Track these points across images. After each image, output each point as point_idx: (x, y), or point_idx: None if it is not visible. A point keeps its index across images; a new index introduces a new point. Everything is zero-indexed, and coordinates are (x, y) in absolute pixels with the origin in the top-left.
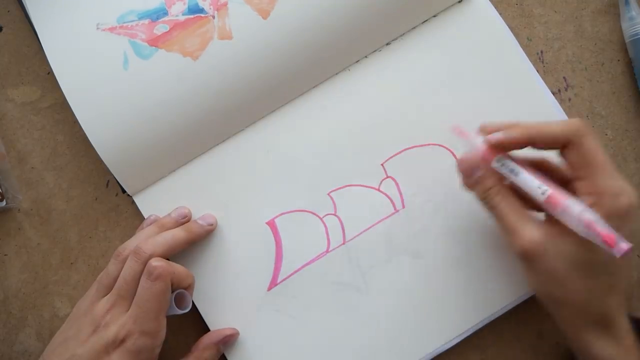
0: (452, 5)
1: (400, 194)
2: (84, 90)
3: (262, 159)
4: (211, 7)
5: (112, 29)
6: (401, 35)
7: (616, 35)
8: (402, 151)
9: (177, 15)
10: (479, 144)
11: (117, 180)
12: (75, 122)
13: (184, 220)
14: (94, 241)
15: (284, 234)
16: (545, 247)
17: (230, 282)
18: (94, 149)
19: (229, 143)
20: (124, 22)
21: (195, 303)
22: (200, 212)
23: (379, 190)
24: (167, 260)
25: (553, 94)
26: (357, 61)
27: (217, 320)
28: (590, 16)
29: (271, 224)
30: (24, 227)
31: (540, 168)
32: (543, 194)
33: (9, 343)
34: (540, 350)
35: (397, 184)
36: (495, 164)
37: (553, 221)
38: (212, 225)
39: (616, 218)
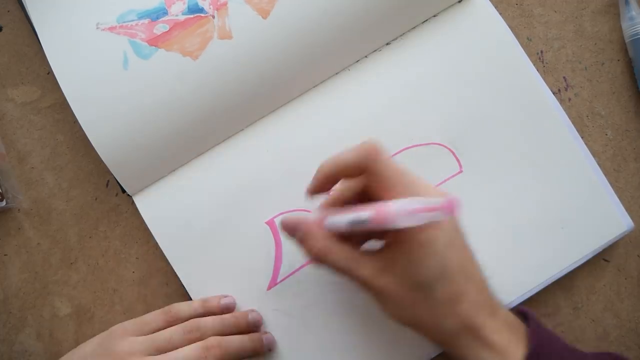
0: (452, 5)
1: None
2: (84, 90)
3: (261, 158)
4: (211, 6)
5: (112, 29)
6: (401, 35)
7: (616, 35)
8: (402, 150)
9: (177, 15)
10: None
11: (117, 180)
12: (75, 122)
13: (227, 311)
14: (94, 241)
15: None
16: (381, 280)
17: (230, 281)
18: (94, 149)
19: (228, 143)
20: (124, 22)
21: (194, 300)
22: (201, 212)
23: None
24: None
25: (553, 93)
26: (357, 61)
27: None
28: (590, 16)
29: (271, 224)
30: (24, 227)
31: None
32: (367, 218)
33: (9, 343)
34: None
35: None
36: (328, 222)
37: (384, 254)
38: (257, 325)
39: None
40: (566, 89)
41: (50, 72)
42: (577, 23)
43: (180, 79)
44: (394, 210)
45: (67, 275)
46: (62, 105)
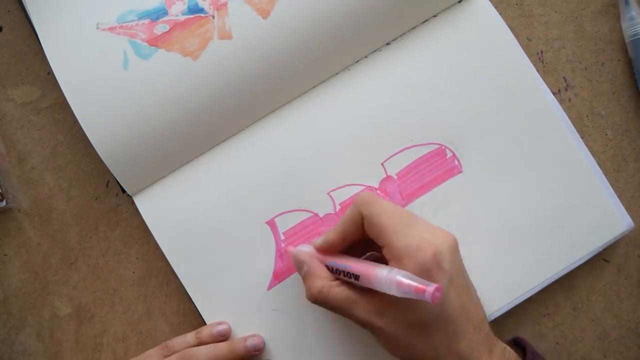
0: (452, 5)
1: (400, 192)
2: (84, 90)
3: (262, 158)
4: (211, 7)
5: (112, 29)
6: (401, 35)
7: (616, 35)
8: (402, 150)
9: (177, 15)
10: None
11: (117, 180)
12: (75, 122)
13: (222, 338)
14: (94, 241)
15: (284, 233)
16: (380, 320)
17: (230, 281)
18: (94, 149)
19: (228, 143)
20: (124, 22)
21: (195, 302)
22: (201, 212)
23: (379, 189)
24: None
25: (553, 94)
26: (357, 61)
27: (217, 319)
28: (590, 16)
29: (271, 224)
30: (24, 227)
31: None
32: (356, 279)
33: (9, 343)
34: (541, 349)
35: (396, 183)
36: (329, 264)
37: (379, 293)
38: (258, 351)
39: (425, 269)
40: (566, 89)
41: (50, 72)
42: (577, 23)
43: (180, 79)
44: (382, 279)
45: (67, 275)
46: (62, 105)
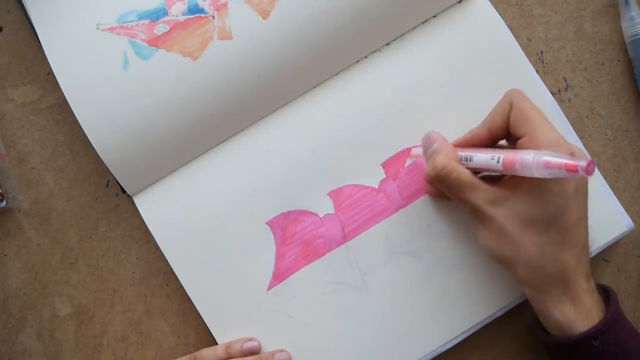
0: (452, 5)
1: (400, 193)
2: (84, 90)
3: (261, 159)
4: (211, 7)
5: (112, 29)
6: (401, 36)
7: (616, 35)
8: (402, 151)
9: (177, 16)
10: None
11: (117, 181)
12: (75, 122)
13: (250, 355)
14: (94, 241)
15: (283, 234)
16: (496, 207)
17: (230, 281)
18: (94, 149)
19: (228, 143)
20: (124, 22)
21: (195, 303)
22: (201, 212)
23: (378, 190)
24: None
25: (553, 94)
26: (357, 61)
27: (217, 319)
28: (590, 16)
29: (271, 224)
30: (24, 227)
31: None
32: (498, 161)
33: (9, 343)
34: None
35: (396, 184)
36: (459, 154)
37: (503, 184)
38: None
39: None
40: (566, 90)
41: (50, 73)
42: (577, 23)
43: (180, 80)
44: (528, 159)
45: (67, 275)
46: (62, 105)
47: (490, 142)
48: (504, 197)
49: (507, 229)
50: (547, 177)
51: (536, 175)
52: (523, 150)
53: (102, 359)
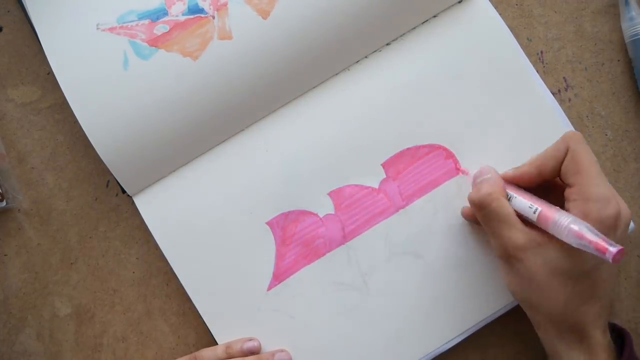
0: (452, 5)
1: (400, 194)
2: (84, 90)
3: (262, 159)
4: (211, 7)
5: (112, 29)
6: (401, 36)
7: (616, 35)
8: (402, 151)
9: (177, 16)
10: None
11: (117, 181)
12: (75, 122)
13: (251, 355)
14: (94, 241)
15: (284, 234)
16: (529, 252)
17: (230, 281)
18: (94, 149)
19: (228, 143)
20: (124, 22)
21: (195, 303)
22: (201, 212)
23: (378, 190)
24: None
25: (553, 94)
26: (357, 61)
27: (217, 319)
28: (590, 16)
29: (271, 224)
30: (24, 227)
31: (537, 192)
32: (534, 212)
33: (9, 343)
34: (541, 350)
35: (396, 184)
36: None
37: (539, 229)
38: None
39: (604, 225)
40: (566, 90)
41: (50, 73)
42: (577, 23)
43: (180, 80)
44: (562, 223)
45: (67, 275)
46: (62, 105)
47: (539, 182)
48: (539, 243)
49: (536, 276)
50: (574, 245)
51: (565, 240)
52: (561, 212)
53: (102, 359)
